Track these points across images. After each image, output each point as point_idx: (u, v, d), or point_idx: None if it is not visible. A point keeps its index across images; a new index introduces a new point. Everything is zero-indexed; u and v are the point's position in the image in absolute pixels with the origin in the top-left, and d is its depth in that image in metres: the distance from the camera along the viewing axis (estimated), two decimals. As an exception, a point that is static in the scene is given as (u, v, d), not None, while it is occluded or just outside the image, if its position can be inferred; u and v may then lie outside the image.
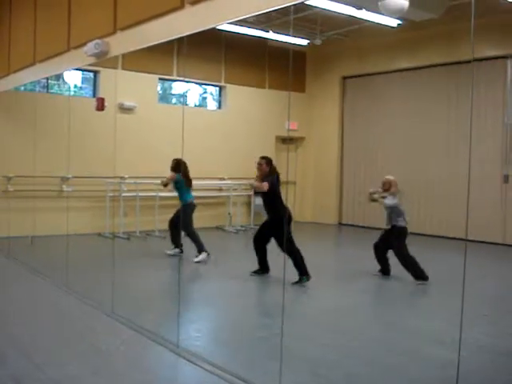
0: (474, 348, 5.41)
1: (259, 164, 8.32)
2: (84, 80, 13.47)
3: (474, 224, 12.48)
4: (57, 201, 11.90)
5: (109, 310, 6.55)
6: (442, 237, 13.24)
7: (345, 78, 16.11)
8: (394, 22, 12.00)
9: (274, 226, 8.08)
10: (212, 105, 15.61)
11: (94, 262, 10.26)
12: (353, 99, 16.03)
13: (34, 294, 7.45)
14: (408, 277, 8.29)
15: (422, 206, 14.09)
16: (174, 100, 15.29)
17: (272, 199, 8.26)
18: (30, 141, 10.64)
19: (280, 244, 7.92)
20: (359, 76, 15.71)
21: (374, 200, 9.27)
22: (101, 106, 9.37)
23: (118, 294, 7.07)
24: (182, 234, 9.87)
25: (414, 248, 8.51)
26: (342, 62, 15.67)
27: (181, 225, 9.84)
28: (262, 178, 8.25)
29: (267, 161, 8.33)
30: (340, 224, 16.03)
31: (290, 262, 7.79)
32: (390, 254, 8.75)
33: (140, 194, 12.06)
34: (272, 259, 8.46)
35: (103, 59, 6.93)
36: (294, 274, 7.90)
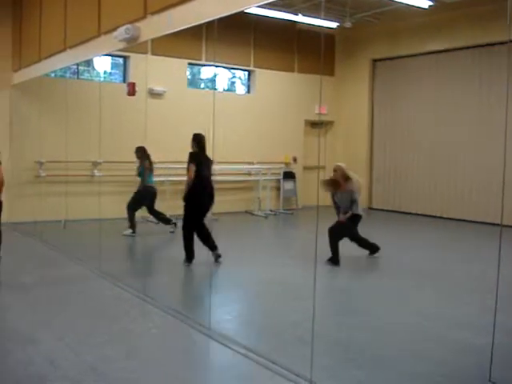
0: (504, 332, 5.35)
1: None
2: (113, 66, 13.54)
3: (507, 209, 12.39)
4: (88, 185, 12.04)
5: (141, 293, 6.63)
6: (474, 222, 13.11)
7: (375, 60, 15.93)
8: (425, 4, 11.82)
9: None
10: (241, 89, 15.57)
11: (125, 246, 10.39)
12: (383, 82, 15.85)
13: (66, 278, 7.56)
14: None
15: (452, 190, 13.94)
16: (202, 85, 15.29)
17: None
18: (62, 126, 10.76)
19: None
20: (389, 59, 15.51)
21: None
22: (132, 91, 9.43)
23: (149, 277, 7.16)
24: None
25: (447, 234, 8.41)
26: (372, 44, 15.48)
27: (152, 206, 10.64)
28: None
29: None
30: (370, 208, 15.93)
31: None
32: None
33: (170, 178, 12.13)
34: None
35: (134, 44, 6.95)
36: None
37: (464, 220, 13.37)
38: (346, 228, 8.55)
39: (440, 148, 14.21)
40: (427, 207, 14.50)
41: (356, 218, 8.66)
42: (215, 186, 11.32)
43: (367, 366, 4.65)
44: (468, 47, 13.49)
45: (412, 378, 4.47)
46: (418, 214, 14.57)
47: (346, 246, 8.64)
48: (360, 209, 8.68)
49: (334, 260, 8.32)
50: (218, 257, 8.18)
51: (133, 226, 10.53)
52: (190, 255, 8.15)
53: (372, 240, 8.92)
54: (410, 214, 14.80)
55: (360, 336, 5.43)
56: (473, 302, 6.69)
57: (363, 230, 8.85)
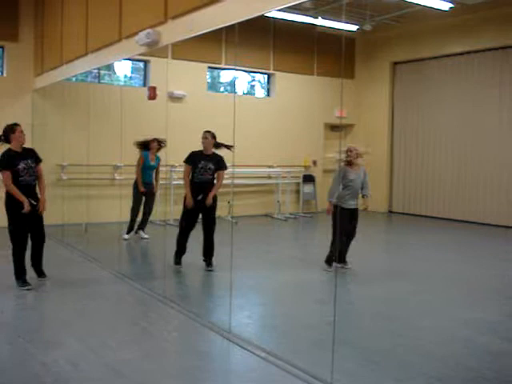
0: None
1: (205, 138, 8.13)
2: (134, 70, 13.63)
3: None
4: (109, 189, 12.12)
5: (161, 296, 6.66)
6: (497, 225, 12.99)
7: (395, 63, 15.86)
8: (445, 6, 11.74)
9: (212, 208, 8.09)
10: (260, 92, 15.60)
11: (145, 249, 10.45)
12: (403, 85, 15.77)
13: (87, 280, 7.61)
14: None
15: (474, 194, 13.82)
16: (222, 88, 15.33)
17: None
18: (83, 130, 10.84)
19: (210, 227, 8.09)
20: (410, 61, 15.43)
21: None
22: (153, 94, 9.47)
23: (169, 280, 7.19)
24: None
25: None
26: (392, 47, 15.41)
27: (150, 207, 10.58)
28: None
29: (212, 135, 8.16)
30: (390, 212, 15.87)
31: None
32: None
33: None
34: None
35: (154, 48, 6.99)
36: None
37: (488, 224, 13.23)
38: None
39: (462, 150, 14.11)
40: (450, 211, 14.38)
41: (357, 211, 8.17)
42: (235, 189, 11.37)
43: (388, 370, 4.63)
44: (489, 49, 13.39)
45: (434, 382, 4.44)
46: (441, 218, 14.46)
47: (362, 247, 8.59)
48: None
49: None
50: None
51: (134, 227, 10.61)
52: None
53: (392, 243, 8.85)
54: (432, 217, 14.69)
55: (380, 340, 5.41)
56: (498, 306, 6.63)
57: (383, 234, 8.80)
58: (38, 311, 6.42)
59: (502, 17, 12.38)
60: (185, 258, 8.22)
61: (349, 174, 8.00)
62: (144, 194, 10.37)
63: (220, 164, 8.08)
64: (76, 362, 4.65)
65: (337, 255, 7.93)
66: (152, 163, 10.41)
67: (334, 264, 8.01)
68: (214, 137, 8.12)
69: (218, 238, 8.10)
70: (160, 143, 10.22)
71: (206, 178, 8.03)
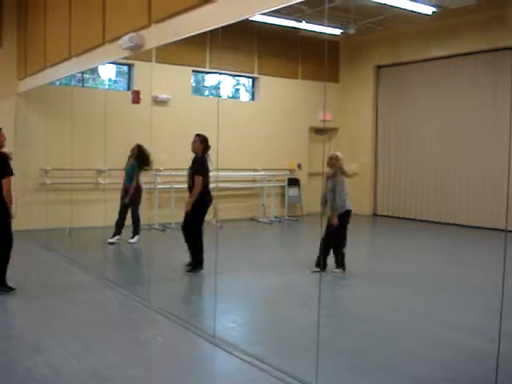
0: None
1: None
2: (118, 73, 13.58)
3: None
4: (93, 193, 12.06)
5: (146, 301, 6.63)
6: (479, 227, 13.07)
7: (379, 67, 15.94)
8: (428, 10, 11.83)
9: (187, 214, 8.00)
10: (245, 96, 15.60)
11: (130, 254, 10.41)
12: (387, 89, 15.85)
13: (71, 285, 7.55)
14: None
15: (457, 196, 13.91)
16: (206, 92, 15.32)
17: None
18: (67, 134, 10.79)
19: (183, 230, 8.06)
20: (393, 65, 15.51)
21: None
22: (137, 98, 9.47)
23: (154, 285, 7.16)
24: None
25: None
26: (376, 51, 15.49)
27: (135, 208, 10.47)
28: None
29: (202, 139, 8.04)
30: (375, 215, 15.92)
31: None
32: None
33: (174, 185, 12.14)
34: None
35: (138, 52, 6.97)
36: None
37: (471, 226, 13.32)
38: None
39: (445, 153, 14.19)
40: (434, 213, 14.46)
41: (349, 213, 8.14)
42: (220, 193, 11.36)
43: (373, 373, 4.64)
44: (472, 53, 13.48)
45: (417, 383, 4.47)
46: (424, 221, 14.55)
47: (348, 249, 8.58)
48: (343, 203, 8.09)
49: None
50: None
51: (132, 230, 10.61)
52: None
53: (375, 245, 8.86)
54: (415, 220, 14.77)
55: (365, 343, 5.42)
56: (478, 307, 6.67)
57: (370, 237, 8.82)
58: (20, 316, 6.36)
59: (485, 21, 12.47)
60: (172, 263, 8.19)
61: (326, 183, 8.18)
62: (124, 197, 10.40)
63: (193, 168, 8.00)
64: (58, 367, 4.60)
65: (321, 259, 7.89)
66: (126, 167, 10.47)
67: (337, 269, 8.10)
68: (203, 141, 8.05)
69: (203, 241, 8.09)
70: (140, 152, 10.16)
71: (189, 183, 8.06)
